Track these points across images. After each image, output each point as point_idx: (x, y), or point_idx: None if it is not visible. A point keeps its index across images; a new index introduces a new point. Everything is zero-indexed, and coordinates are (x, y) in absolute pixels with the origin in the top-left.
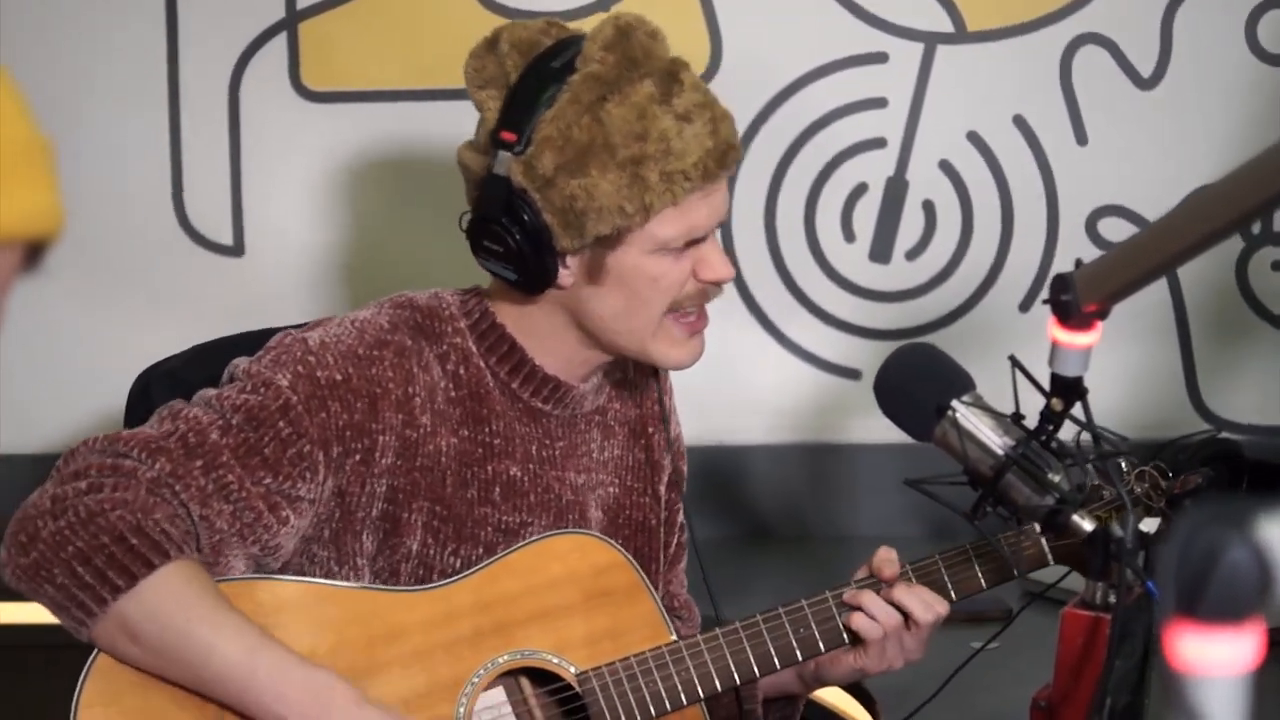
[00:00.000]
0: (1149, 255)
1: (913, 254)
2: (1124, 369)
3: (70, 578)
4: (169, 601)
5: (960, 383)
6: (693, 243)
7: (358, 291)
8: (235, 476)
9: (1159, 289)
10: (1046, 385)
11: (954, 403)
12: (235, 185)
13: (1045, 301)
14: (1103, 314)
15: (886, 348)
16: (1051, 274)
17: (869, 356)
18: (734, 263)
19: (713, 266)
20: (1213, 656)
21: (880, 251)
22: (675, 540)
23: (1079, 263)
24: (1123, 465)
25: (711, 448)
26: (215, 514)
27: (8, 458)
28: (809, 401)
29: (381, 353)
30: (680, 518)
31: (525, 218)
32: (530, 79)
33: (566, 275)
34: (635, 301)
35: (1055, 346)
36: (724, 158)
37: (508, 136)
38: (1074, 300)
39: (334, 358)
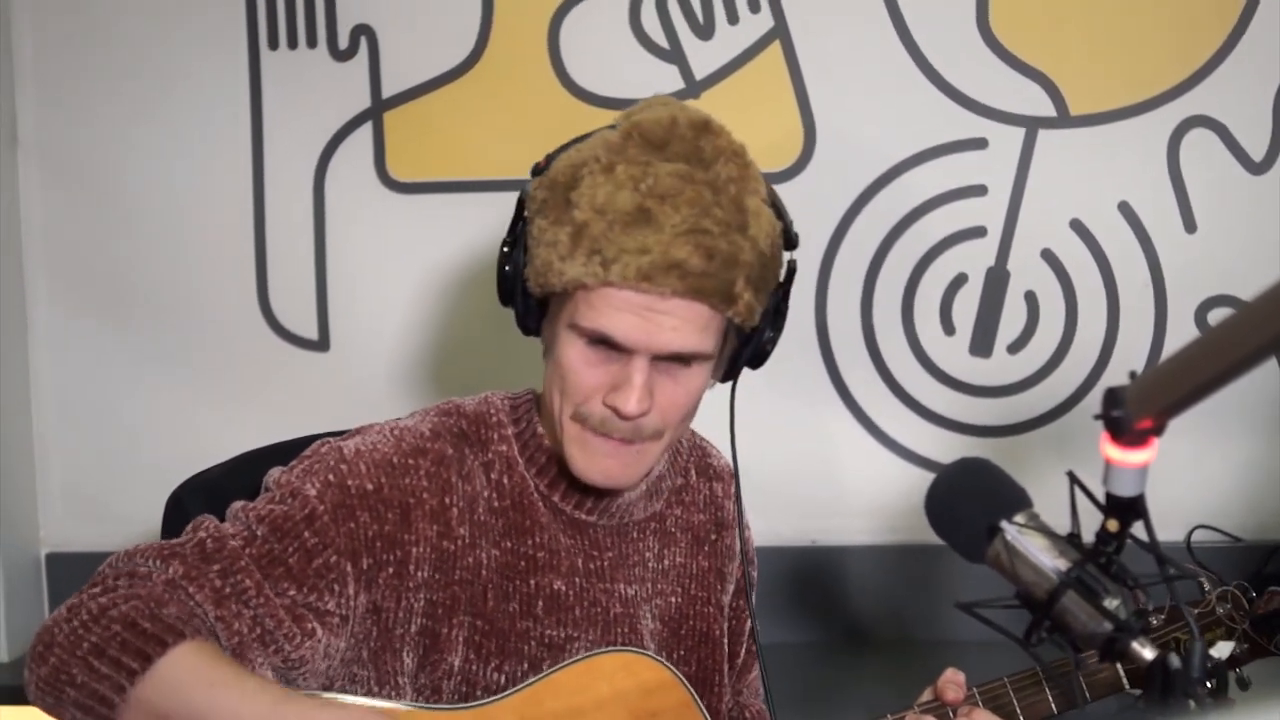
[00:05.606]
0: (1205, 366)
1: (1015, 347)
2: (1236, 465)
3: (88, 673)
4: (187, 675)
5: (1013, 501)
6: (613, 348)
7: (444, 387)
8: (254, 582)
9: (1272, 379)
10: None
11: (1003, 523)
12: (320, 278)
13: (1096, 417)
14: (1158, 430)
15: (988, 444)
16: None
17: (969, 454)
18: (828, 353)
19: (620, 393)
20: None
21: (981, 344)
22: (744, 649)
23: (1133, 375)
24: (1205, 585)
25: (805, 548)
26: (233, 616)
27: (97, 555)
28: (907, 500)
29: (418, 461)
30: (751, 624)
31: (516, 236)
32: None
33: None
34: (552, 381)
35: (1109, 465)
36: (660, 273)
37: (539, 162)
38: (1125, 416)
39: (367, 466)
